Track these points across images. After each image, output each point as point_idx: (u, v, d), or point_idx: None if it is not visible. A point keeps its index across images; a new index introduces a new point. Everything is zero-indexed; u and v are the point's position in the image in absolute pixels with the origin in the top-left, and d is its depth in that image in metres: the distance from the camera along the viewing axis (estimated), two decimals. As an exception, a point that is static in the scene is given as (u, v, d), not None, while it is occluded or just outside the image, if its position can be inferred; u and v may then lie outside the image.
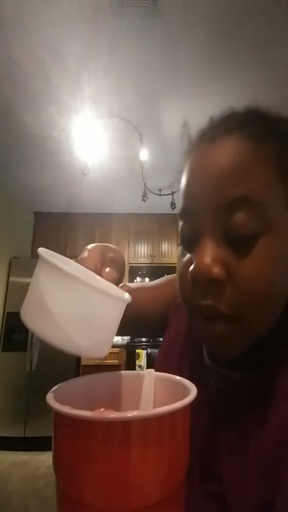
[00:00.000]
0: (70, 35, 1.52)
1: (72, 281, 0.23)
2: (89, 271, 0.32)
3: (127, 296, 0.28)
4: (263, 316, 0.30)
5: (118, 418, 0.16)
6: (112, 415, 0.16)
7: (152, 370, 0.29)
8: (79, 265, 0.32)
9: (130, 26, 1.48)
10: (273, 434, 0.30)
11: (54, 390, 0.22)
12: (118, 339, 3.17)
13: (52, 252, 0.29)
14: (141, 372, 0.29)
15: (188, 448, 0.21)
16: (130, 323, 0.39)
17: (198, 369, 0.39)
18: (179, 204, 0.35)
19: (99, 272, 0.33)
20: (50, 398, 0.19)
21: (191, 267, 0.30)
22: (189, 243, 0.33)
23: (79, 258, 0.35)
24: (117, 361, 3.03)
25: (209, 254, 0.29)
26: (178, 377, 0.27)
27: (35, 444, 2.60)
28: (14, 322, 2.91)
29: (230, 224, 0.29)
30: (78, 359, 3.00)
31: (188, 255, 0.33)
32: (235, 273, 0.29)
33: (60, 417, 0.18)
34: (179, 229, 0.35)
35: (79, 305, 0.24)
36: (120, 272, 0.36)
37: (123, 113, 2.06)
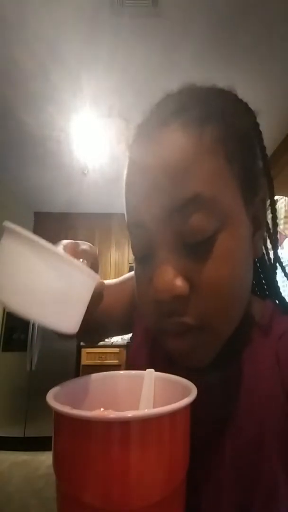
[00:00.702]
0: (70, 35, 1.52)
1: (46, 253, 0.22)
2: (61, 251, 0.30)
3: (97, 275, 0.27)
4: (229, 319, 0.29)
5: (118, 418, 0.16)
6: (112, 415, 0.16)
7: (152, 370, 0.29)
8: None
9: (130, 26, 1.48)
10: (246, 432, 0.29)
11: (54, 390, 0.22)
12: (118, 339, 3.17)
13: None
14: (141, 372, 0.29)
15: (189, 448, 0.21)
16: (97, 321, 0.37)
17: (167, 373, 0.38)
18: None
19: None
20: (50, 398, 0.19)
21: (152, 288, 0.27)
22: (143, 258, 0.30)
23: None
24: (117, 361, 3.03)
25: (168, 270, 0.26)
26: (178, 377, 0.27)
27: (35, 444, 2.60)
28: (14, 322, 2.91)
29: (186, 229, 0.26)
30: (78, 359, 3.00)
31: (145, 272, 0.30)
32: (197, 281, 0.26)
33: (60, 417, 0.18)
34: (131, 239, 0.32)
35: (50, 275, 0.23)
36: (93, 266, 0.34)
37: (123, 113, 2.06)
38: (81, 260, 0.32)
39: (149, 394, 0.27)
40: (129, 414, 0.16)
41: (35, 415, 2.70)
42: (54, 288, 0.23)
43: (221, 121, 0.28)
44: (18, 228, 0.22)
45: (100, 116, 2.08)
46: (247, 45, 1.56)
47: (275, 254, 0.37)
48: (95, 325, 0.37)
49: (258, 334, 0.34)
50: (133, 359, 0.44)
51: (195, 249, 0.26)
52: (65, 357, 2.88)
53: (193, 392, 0.21)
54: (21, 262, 0.22)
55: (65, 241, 0.35)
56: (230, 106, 0.32)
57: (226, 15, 1.41)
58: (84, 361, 3.02)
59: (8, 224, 0.23)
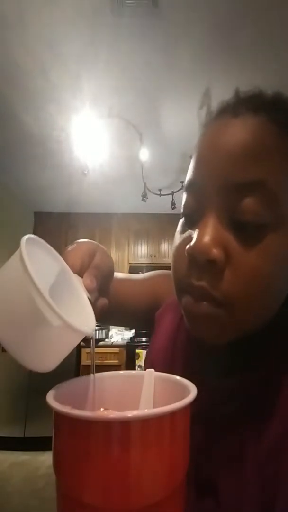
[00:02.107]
0: (70, 35, 1.52)
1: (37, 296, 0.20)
2: (71, 274, 0.29)
3: (87, 329, 0.25)
4: (255, 310, 0.28)
5: (118, 418, 0.16)
6: (112, 415, 0.16)
7: (152, 370, 0.29)
8: (61, 266, 0.29)
9: (130, 26, 1.48)
10: (271, 441, 0.28)
11: (54, 390, 0.22)
12: (118, 339, 3.17)
13: (41, 242, 0.26)
14: (141, 372, 0.29)
15: (189, 448, 0.21)
16: (111, 312, 0.37)
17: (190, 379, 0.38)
18: (179, 203, 0.34)
19: (81, 273, 0.31)
20: (50, 398, 0.19)
21: (189, 245, 0.27)
22: (191, 218, 0.30)
23: (68, 248, 0.34)
24: (117, 361, 3.03)
25: (211, 233, 0.27)
26: (178, 377, 0.27)
27: (35, 444, 2.60)
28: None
29: (238, 206, 0.26)
30: (78, 359, 3.00)
31: (188, 231, 0.31)
32: (235, 260, 0.26)
33: (60, 417, 0.18)
34: (183, 202, 0.32)
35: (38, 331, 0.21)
36: (104, 280, 0.33)
37: (123, 113, 2.06)
38: (89, 279, 0.30)
39: (149, 394, 0.27)
40: (129, 414, 0.16)
41: (35, 415, 2.70)
42: (37, 339, 0.22)
43: None
44: (27, 260, 0.20)
45: (100, 116, 2.08)
46: (247, 45, 1.56)
47: None
48: (111, 308, 0.36)
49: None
50: (151, 362, 0.43)
51: (242, 232, 0.27)
52: (65, 357, 2.87)
53: (193, 392, 0.21)
54: (14, 296, 0.21)
55: (82, 242, 0.35)
56: None
57: (226, 15, 1.41)
58: (84, 361, 3.02)
59: (24, 244, 0.21)
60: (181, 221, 0.33)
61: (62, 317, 0.21)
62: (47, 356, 0.24)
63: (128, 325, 0.58)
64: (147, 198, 2.76)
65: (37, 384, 2.77)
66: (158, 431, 0.17)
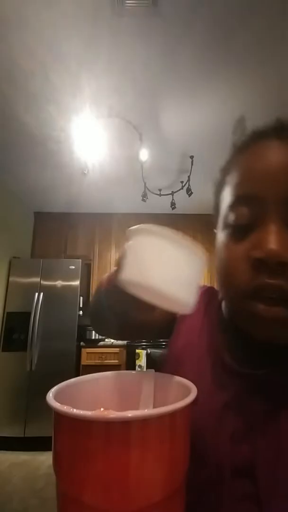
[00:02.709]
0: (70, 35, 1.52)
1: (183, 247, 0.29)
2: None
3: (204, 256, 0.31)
4: None
5: (118, 418, 0.16)
6: (112, 415, 0.16)
7: (152, 370, 0.29)
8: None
9: (130, 26, 1.48)
10: None
11: (54, 390, 0.22)
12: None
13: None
14: (141, 372, 0.29)
15: (189, 448, 0.21)
16: (138, 325, 0.41)
17: (220, 372, 0.38)
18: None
19: None
20: (50, 398, 0.19)
21: (260, 250, 0.30)
22: (246, 228, 0.33)
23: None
24: (117, 361, 3.03)
25: (278, 238, 0.29)
26: (178, 377, 0.27)
27: (35, 444, 2.60)
28: (14, 322, 2.91)
29: None
30: (78, 359, 3.00)
31: (244, 241, 0.33)
32: None
33: (60, 417, 0.18)
34: (232, 215, 0.34)
35: (186, 264, 0.29)
36: None
37: (123, 113, 2.06)
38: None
39: (149, 394, 0.27)
40: (129, 414, 0.16)
41: (35, 415, 2.70)
42: (188, 273, 0.29)
43: None
44: (156, 228, 0.28)
45: (100, 116, 2.08)
46: (247, 45, 1.56)
47: None
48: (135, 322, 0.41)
49: None
50: (176, 358, 0.44)
51: None
52: (65, 357, 2.88)
53: (193, 392, 0.21)
54: (166, 255, 0.28)
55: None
56: None
57: (225, 15, 1.41)
58: (84, 361, 3.02)
59: (146, 226, 0.29)
60: (226, 236, 0.35)
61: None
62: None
63: (151, 335, 0.58)
64: (147, 198, 2.76)
65: (37, 384, 2.77)
66: (158, 431, 0.17)
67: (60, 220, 3.76)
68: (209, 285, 0.51)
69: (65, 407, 0.17)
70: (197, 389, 0.25)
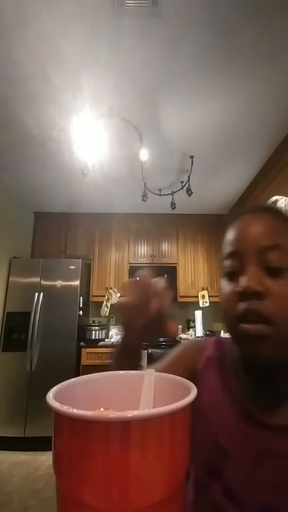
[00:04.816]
0: (70, 35, 1.52)
1: None
2: None
3: None
4: None
5: (118, 418, 0.16)
6: (112, 415, 0.16)
7: (152, 370, 0.29)
8: None
9: (130, 26, 1.48)
10: None
11: (54, 390, 0.22)
12: (118, 339, 3.16)
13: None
14: (141, 372, 0.29)
15: (189, 448, 0.20)
16: None
17: (243, 420, 0.46)
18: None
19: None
20: (50, 398, 0.19)
21: (240, 286, 0.42)
22: (235, 274, 0.45)
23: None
24: (117, 361, 3.02)
25: (254, 276, 0.42)
26: (178, 377, 0.27)
27: (35, 444, 2.60)
28: (14, 322, 2.91)
29: (266, 259, 0.43)
30: (78, 359, 3.00)
31: (232, 281, 0.46)
32: (272, 292, 0.41)
33: (60, 417, 0.18)
34: (226, 265, 0.47)
35: None
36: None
37: (123, 113, 2.06)
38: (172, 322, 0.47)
39: (149, 394, 0.27)
40: (129, 414, 0.16)
41: (35, 415, 2.70)
42: None
43: None
44: None
45: (100, 116, 2.08)
46: (247, 45, 1.56)
47: None
48: None
49: None
50: (206, 414, 0.50)
51: (271, 273, 0.42)
52: (65, 357, 2.88)
53: (193, 392, 0.21)
54: None
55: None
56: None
57: (226, 15, 1.41)
58: (84, 361, 3.02)
59: None
60: (224, 280, 0.48)
61: None
62: None
63: None
64: (147, 198, 2.76)
65: (37, 384, 2.77)
66: (158, 431, 0.17)
67: (60, 220, 3.76)
68: (214, 337, 0.62)
69: (65, 407, 0.17)
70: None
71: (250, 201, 3.06)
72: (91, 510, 0.16)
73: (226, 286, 0.47)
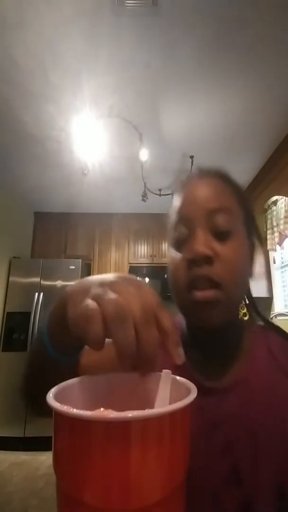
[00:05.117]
0: (70, 35, 1.52)
1: None
2: None
3: None
4: (238, 285, 0.43)
5: (118, 418, 0.16)
6: (112, 415, 0.16)
7: (169, 371, 0.28)
8: None
9: (130, 26, 1.48)
10: (269, 410, 0.40)
11: (54, 390, 0.22)
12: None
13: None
14: (152, 373, 0.29)
15: (189, 448, 0.21)
16: None
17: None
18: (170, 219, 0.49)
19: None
20: (50, 398, 0.19)
21: (190, 252, 0.41)
22: (183, 242, 0.44)
23: None
24: (117, 361, 3.02)
25: (202, 241, 0.41)
26: (178, 377, 0.27)
27: (35, 444, 2.60)
28: (14, 322, 2.91)
29: (214, 222, 0.43)
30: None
31: (182, 250, 0.44)
32: (220, 254, 0.41)
33: (60, 417, 0.18)
34: (175, 234, 0.46)
35: None
36: None
37: (123, 113, 2.06)
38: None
39: (164, 395, 0.27)
40: (129, 414, 0.16)
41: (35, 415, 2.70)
42: None
43: (239, 190, 0.49)
44: None
45: (100, 116, 2.08)
46: (247, 45, 1.56)
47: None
48: None
49: (254, 335, 0.49)
50: None
51: (218, 236, 0.43)
52: (65, 357, 2.88)
53: (193, 392, 0.21)
54: None
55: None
56: (243, 192, 0.51)
57: (226, 15, 1.41)
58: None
59: None
60: (171, 250, 0.47)
61: None
62: None
63: None
64: (147, 198, 2.76)
65: (37, 384, 2.77)
66: (158, 431, 0.17)
67: (60, 220, 3.76)
68: None
69: (64, 407, 0.17)
70: None
71: (250, 201, 3.06)
72: (91, 510, 0.16)
73: (174, 255, 0.46)
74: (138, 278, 0.30)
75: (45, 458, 2.47)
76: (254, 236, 0.50)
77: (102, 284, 0.27)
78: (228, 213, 0.44)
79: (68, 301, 0.28)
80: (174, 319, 0.53)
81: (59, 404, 0.18)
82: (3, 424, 2.71)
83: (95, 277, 0.29)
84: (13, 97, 1.91)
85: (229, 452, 0.39)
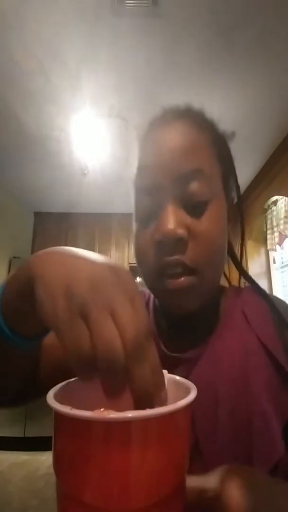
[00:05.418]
0: (70, 35, 1.52)
1: None
2: None
3: None
4: (215, 266, 0.38)
5: (118, 418, 0.16)
6: (112, 415, 0.16)
7: (165, 371, 0.28)
8: None
9: (130, 26, 1.48)
10: (234, 382, 0.35)
11: (54, 390, 0.22)
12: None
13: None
14: None
15: (189, 448, 0.21)
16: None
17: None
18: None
19: None
20: (50, 398, 0.19)
21: (158, 233, 0.35)
22: (149, 216, 0.38)
23: None
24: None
25: (173, 219, 0.34)
26: (178, 377, 0.27)
27: (35, 444, 2.60)
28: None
29: (187, 192, 0.35)
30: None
31: (149, 229, 0.38)
32: (194, 232, 0.35)
33: (60, 417, 0.18)
34: (138, 204, 0.40)
35: None
36: None
37: (123, 113, 2.06)
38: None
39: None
40: (129, 414, 0.16)
41: (35, 415, 2.70)
42: None
43: (213, 133, 0.41)
44: None
45: (100, 116, 2.08)
46: (248, 44, 1.56)
47: (242, 244, 0.49)
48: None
49: (229, 302, 0.43)
50: None
51: (194, 210, 0.36)
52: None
53: (193, 392, 0.21)
54: None
55: None
56: (217, 128, 0.43)
57: (225, 14, 1.41)
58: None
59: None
60: (137, 224, 0.41)
61: None
62: None
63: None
64: (147, 198, 2.76)
65: (37, 384, 2.77)
66: (159, 431, 0.17)
67: (60, 220, 3.76)
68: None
69: (65, 407, 0.17)
70: None
71: (250, 201, 3.06)
72: (91, 510, 0.16)
73: (141, 232, 0.39)
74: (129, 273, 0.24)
75: (45, 458, 2.46)
76: (233, 190, 0.43)
77: (94, 290, 0.20)
78: (204, 177, 0.36)
79: (41, 288, 0.22)
80: (143, 292, 0.51)
81: (58, 404, 0.18)
82: (3, 424, 2.70)
83: (79, 265, 0.22)
84: (13, 97, 1.91)
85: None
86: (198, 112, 0.42)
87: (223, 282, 0.51)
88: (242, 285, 0.49)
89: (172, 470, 0.18)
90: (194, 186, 0.35)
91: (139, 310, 0.21)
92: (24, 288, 0.24)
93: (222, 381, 0.35)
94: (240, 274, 0.47)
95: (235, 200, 0.45)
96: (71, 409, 0.17)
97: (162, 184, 0.36)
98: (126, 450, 0.16)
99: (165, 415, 0.17)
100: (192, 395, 0.20)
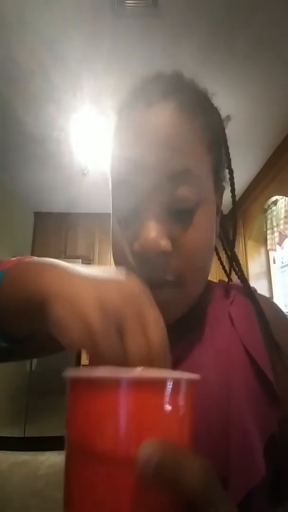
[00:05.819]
0: (70, 34, 1.53)
1: None
2: None
3: None
4: (200, 278, 0.34)
5: (127, 377, 0.18)
6: (122, 374, 0.18)
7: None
8: None
9: (130, 26, 1.50)
10: (216, 387, 0.31)
11: (69, 372, 0.22)
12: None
13: None
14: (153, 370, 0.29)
15: (194, 425, 0.21)
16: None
17: None
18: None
19: None
20: (66, 374, 0.20)
21: (138, 243, 0.30)
22: (127, 217, 0.33)
23: None
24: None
25: (155, 228, 0.29)
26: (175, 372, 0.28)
27: (35, 444, 2.59)
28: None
29: (174, 197, 0.30)
30: (78, 359, 3.00)
31: (127, 232, 0.33)
32: (179, 242, 0.30)
33: (74, 382, 0.19)
34: (115, 202, 0.35)
35: None
36: None
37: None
38: None
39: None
40: (145, 374, 0.17)
41: (35, 415, 2.70)
42: None
43: (207, 112, 0.34)
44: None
45: (100, 115, 2.09)
46: (248, 45, 1.57)
47: (233, 237, 0.42)
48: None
49: (216, 302, 0.39)
50: None
51: (178, 216, 0.31)
52: (65, 357, 2.87)
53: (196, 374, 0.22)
54: None
55: None
56: (210, 101, 0.38)
57: (225, 15, 1.43)
58: (85, 361, 3.02)
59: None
60: (115, 220, 0.35)
61: None
62: None
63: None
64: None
65: (37, 384, 2.77)
66: (172, 394, 0.18)
67: (60, 220, 3.76)
68: None
69: (81, 371, 0.18)
70: None
71: (250, 201, 3.07)
72: (104, 461, 0.17)
73: (118, 231, 0.34)
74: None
75: (45, 458, 2.46)
76: (223, 181, 0.38)
77: (125, 302, 0.21)
78: (193, 178, 0.30)
79: (63, 306, 0.21)
80: None
81: (75, 372, 0.19)
82: (3, 424, 2.70)
83: (100, 280, 0.22)
84: (13, 97, 1.92)
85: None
86: (189, 85, 0.35)
87: (223, 278, 0.48)
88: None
89: (177, 432, 0.19)
90: (181, 191, 0.30)
91: (160, 316, 0.23)
92: (28, 306, 0.24)
93: (200, 389, 0.32)
94: (230, 269, 0.43)
95: (225, 189, 0.40)
96: (89, 371, 0.18)
97: (143, 186, 0.30)
98: (140, 406, 0.17)
99: (180, 380, 0.18)
100: (197, 375, 0.20)
